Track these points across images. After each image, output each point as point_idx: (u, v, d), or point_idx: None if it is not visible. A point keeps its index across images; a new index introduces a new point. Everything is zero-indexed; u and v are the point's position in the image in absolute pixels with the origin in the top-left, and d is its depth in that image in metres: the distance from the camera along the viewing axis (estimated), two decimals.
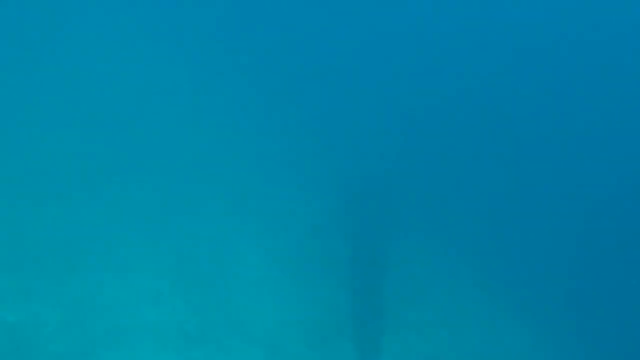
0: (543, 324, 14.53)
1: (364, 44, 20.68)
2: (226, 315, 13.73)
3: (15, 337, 12.93)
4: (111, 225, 14.94)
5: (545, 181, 17.47)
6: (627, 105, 19.54)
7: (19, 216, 14.82)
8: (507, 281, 15.29)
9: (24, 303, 13.38)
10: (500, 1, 21.58)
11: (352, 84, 19.58)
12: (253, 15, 20.92)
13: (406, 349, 13.75)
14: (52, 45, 18.96)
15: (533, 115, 19.10)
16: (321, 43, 20.38)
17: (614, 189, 17.36)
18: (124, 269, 14.19)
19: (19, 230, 14.58)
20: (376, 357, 13.44)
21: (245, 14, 20.89)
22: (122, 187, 15.81)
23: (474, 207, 16.77)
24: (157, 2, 20.88)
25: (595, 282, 15.35)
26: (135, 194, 15.75)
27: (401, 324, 14.19)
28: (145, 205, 15.53)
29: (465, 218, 16.43)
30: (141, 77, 18.68)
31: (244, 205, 15.93)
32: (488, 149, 18.22)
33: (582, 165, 17.88)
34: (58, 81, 18.09)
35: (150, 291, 13.91)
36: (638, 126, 18.99)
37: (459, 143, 18.24)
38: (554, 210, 16.75)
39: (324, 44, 20.39)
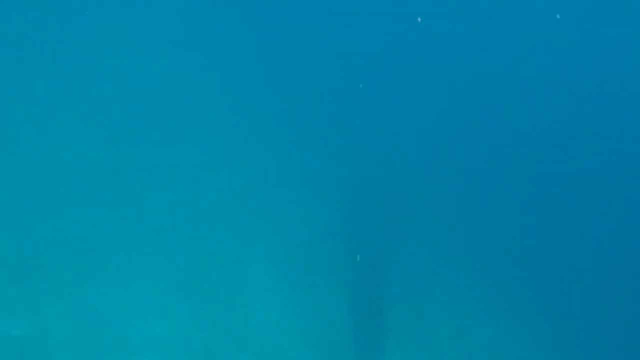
0: (553, 336, 14.52)
1: (370, 49, 20.46)
2: (233, 329, 13.68)
3: (20, 351, 12.84)
4: (118, 238, 14.78)
5: (554, 187, 17.38)
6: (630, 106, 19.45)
7: (24, 228, 14.63)
8: (518, 293, 15.22)
9: (29, 316, 13.26)
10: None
11: (358, 90, 19.43)
12: (261, 21, 20.68)
13: None
14: (63, 50, 18.70)
15: (538, 119, 18.97)
16: (326, 47, 20.17)
17: (619, 191, 17.28)
18: (130, 282, 14.07)
19: (25, 242, 14.41)
20: None
21: (251, 20, 20.66)
22: (130, 199, 15.63)
23: (484, 214, 16.65)
24: (163, 6, 20.63)
25: (611, 293, 15.30)
26: (142, 205, 15.58)
27: (406, 337, 14.17)
28: (153, 218, 15.37)
29: (475, 226, 16.30)
30: (147, 84, 18.47)
31: (251, 216, 15.78)
32: (496, 155, 18.11)
33: (587, 167, 17.75)
34: (62, 83, 17.84)
35: (157, 305, 13.81)
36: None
37: (467, 149, 18.10)
38: (566, 219, 16.67)
39: (329, 47, 20.18)
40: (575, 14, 20.90)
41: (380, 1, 21.22)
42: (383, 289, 14.58)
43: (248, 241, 15.32)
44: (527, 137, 18.37)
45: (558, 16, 19.05)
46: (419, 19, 19.34)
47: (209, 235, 15.30)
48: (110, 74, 18.36)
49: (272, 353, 13.47)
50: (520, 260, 15.87)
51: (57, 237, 14.61)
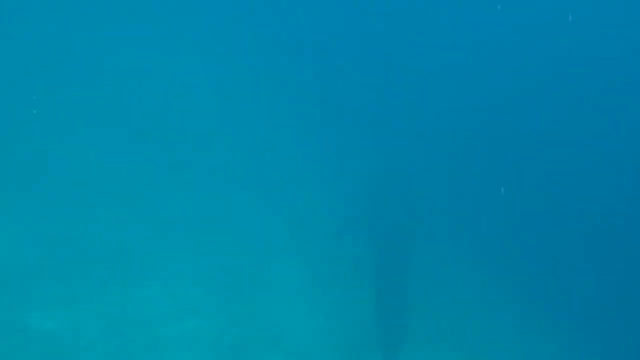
0: (578, 336, 14.45)
1: (388, 46, 20.69)
2: (263, 327, 13.73)
3: (52, 344, 12.96)
4: (149, 238, 14.97)
5: (570, 186, 17.30)
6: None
7: (63, 224, 14.89)
8: (544, 293, 15.08)
9: (63, 310, 13.43)
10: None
11: (378, 86, 19.60)
12: (278, 15, 20.92)
13: None
14: (88, 51, 18.98)
15: (553, 119, 18.91)
16: (343, 44, 20.42)
17: (627, 190, 17.29)
18: (163, 280, 14.21)
19: (63, 238, 14.65)
20: None
21: (265, 16, 20.88)
22: (160, 199, 15.84)
23: (507, 211, 16.45)
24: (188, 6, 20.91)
25: (619, 292, 15.28)
26: (173, 205, 15.77)
27: (434, 334, 14.07)
28: (183, 217, 15.54)
29: (498, 223, 16.17)
30: (173, 83, 18.74)
31: (279, 215, 15.90)
32: (511, 154, 17.99)
33: (599, 166, 17.35)
34: (88, 84, 18.10)
35: (187, 303, 13.91)
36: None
37: (489, 146, 18.11)
38: (583, 219, 16.47)
39: (346, 45, 20.44)
40: (576, 14, 21.25)
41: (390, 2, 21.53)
42: (408, 286, 14.45)
43: (276, 239, 15.41)
44: (544, 136, 18.33)
45: (570, 18, 18.90)
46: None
47: (238, 233, 15.37)
48: (136, 74, 18.59)
49: (301, 351, 13.47)
50: (556, 261, 15.66)
51: (92, 235, 14.80)
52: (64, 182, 15.79)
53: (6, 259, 14.08)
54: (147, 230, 15.08)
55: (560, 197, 17.06)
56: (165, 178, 16.35)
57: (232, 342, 13.44)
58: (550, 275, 15.47)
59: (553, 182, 17.41)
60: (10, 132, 16.71)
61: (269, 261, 14.97)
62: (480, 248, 15.79)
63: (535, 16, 21.15)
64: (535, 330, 14.43)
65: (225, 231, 15.38)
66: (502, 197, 16.82)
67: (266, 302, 14.18)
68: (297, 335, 13.74)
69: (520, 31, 20.89)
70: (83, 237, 14.72)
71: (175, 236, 15.06)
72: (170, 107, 18.18)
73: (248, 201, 16.12)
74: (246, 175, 16.77)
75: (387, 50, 20.45)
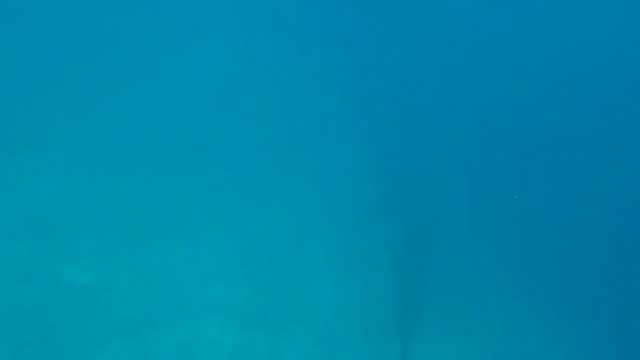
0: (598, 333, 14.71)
1: (415, 44, 21.14)
2: (287, 301, 14.02)
3: (84, 297, 13.36)
4: (188, 202, 15.36)
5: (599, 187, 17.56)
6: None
7: (102, 184, 15.36)
8: (565, 293, 15.24)
9: (98, 266, 13.84)
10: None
11: (408, 81, 20.03)
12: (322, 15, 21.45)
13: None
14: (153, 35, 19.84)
15: (584, 121, 19.22)
16: (375, 44, 20.95)
17: None
18: (196, 245, 14.59)
19: (101, 197, 15.12)
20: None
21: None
22: (201, 167, 16.29)
23: (533, 206, 16.80)
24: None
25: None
26: (215, 174, 16.21)
27: (449, 320, 14.33)
28: (220, 187, 15.94)
29: (519, 222, 16.45)
30: (221, 70, 19.46)
31: (316, 196, 16.26)
32: (543, 145, 18.37)
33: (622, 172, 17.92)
34: (145, 73, 18.73)
35: (217, 269, 14.27)
36: None
37: (514, 138, 18.37)
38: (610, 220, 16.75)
39: (378, 45, 20.95)
40: (576, 14, 21.52)
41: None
42: (430, 273, 14.84)
43: (311, 218, 15.74)
44: (573, 138, 18.63)
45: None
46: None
47: (274, 208, 15.76)
48: (195, 66, 19.40)
49: (323, 327, 13.75)
50: (566, 259, 15.89)
51: (130, 196, 15.24)
52: (105, 142, 16.29)
53: (46, 214, 14.53)
54: (185, 195, 15.49)
55: (580, 198, 17.27)
56: (206, 146, 16.82)
57: (256, 312, 13.74)
58: (567, 275, 15.60)
59: (572, 185, 17.66)
60: (52, 95, 17.26)
61: (301, 238, 15.29)
62: (501, 245, 15.96)
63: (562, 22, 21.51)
64: (547, 328, 14.64)
65: (262, 205, 15.77)
66: (521, 198, 17.11)
67: (294, 277, 14.49)
68: (321, 312, 14.01)
69: (543, 34, 21.27)
70: (121, 196, 15.16)
71: (212, 204, 15.47)
72: (220, 83, 18.88)
73: (287, 178, 16.49)
74: (287, 153, 17.23)
75: (418, 51, 20.93)
